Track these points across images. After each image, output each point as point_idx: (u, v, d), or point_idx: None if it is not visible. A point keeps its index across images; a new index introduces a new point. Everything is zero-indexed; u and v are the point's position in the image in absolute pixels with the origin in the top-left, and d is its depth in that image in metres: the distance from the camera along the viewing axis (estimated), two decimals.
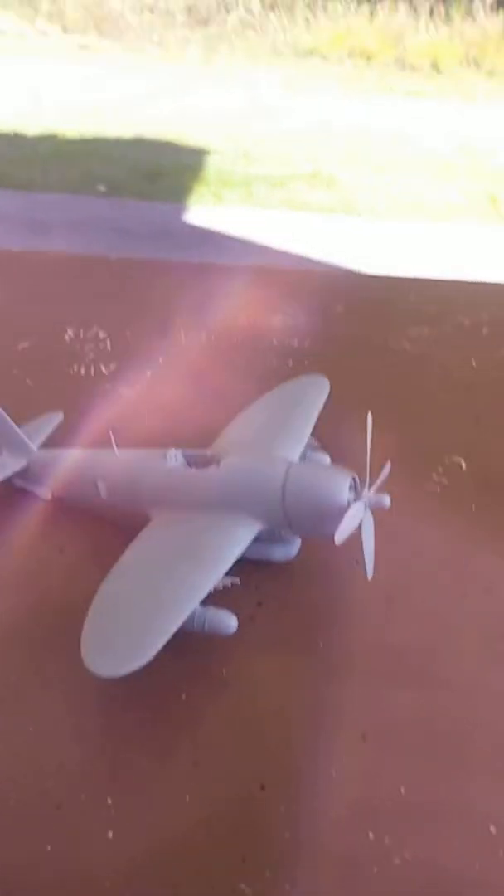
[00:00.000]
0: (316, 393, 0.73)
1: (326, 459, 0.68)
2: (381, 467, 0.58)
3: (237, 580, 0.58)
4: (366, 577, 0.58)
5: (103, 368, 0.87)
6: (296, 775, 0.51)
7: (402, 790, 0.50)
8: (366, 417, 0.57)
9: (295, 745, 0.52)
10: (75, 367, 0.88)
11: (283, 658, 0.58)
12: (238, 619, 0.56)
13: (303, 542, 0.64)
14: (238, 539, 0.59)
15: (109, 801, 0.49)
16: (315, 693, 0.56)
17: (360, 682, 0.57)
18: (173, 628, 0.52)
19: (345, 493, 0.58)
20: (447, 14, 7.11)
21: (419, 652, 0.59)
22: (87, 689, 0.55)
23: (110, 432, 0.66)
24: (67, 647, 0.54)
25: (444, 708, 0.55)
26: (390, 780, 0.51)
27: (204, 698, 0.55)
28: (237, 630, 0.56)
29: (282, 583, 0.63)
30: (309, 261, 3.66)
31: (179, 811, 0.49)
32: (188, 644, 0.55)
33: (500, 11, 6.95)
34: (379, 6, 7.25)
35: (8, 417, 0.69)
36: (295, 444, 0.67)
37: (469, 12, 7.13)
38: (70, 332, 0.93)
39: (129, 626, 0.53)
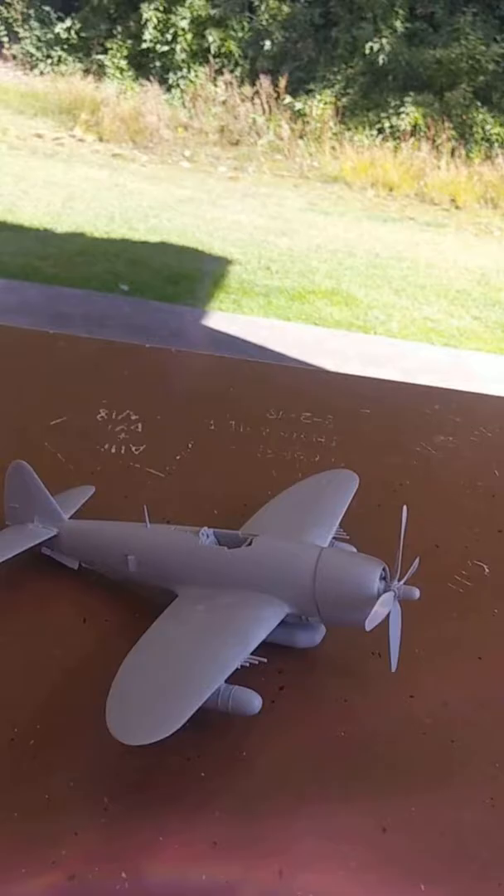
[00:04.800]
0: (345, 486, 0.74)
1: (353, 550, 0.69)
2: (411, 562, 0.59)
3: (264, 660, 0.57)
4: (389, 669, 0.58)
5: (133, 449, 0.89)
6: (315, 861, 0.50)
7: (422, 887, 0.49)
8: (397, 513, 0.58)
9: (312, 834, 0.52)
10: (106, 446, 0.89)
11: (302, 743, 0.57)
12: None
13: (327, 631, 0.64)
14: (265, 619, 0.59)
15: (123, 875, 0.48)
16: (334, 784, 0.55)
17: (380, 774, 0.56)
18: (200, 700, 0.52)
19: (376, 582, 0.58)
20: (468, 156, 7.42)
21: (439, 743, 0.58)
22: (107, 760, 0.54)
23: (144, 507, 0.67)
24: (90, 715, 0.55)
25: (462, 800, 0.54)
26: (409, 874, 0.50)
27: (223, 776, 0.54)
28: (259, 712, 0.56)
29: (305, 669, 0.63)
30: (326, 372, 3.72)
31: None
32: (209, 720, 0.55)
33: None
34: (403, 143, 7.57)
35: (43, 485, 0.70)
36: (324, 532, 0.68)
37: (489, 156, 7.44)
38: (103, 412, 0.94)
39: (156, 697, 0.53)
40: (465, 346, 4.47)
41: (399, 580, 0.59)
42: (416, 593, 0.60)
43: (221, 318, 4.35)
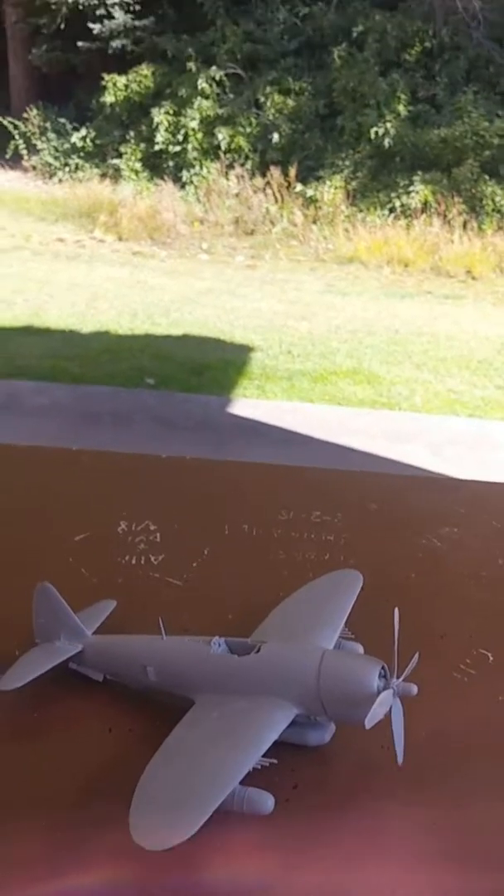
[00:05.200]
0: (350, 586, 0.79)
1: (359, 649, 0.73)
2: (410, 657, 0.63)
3: (275, 761, 0.62)
4: (396, 762, 0.61)
5: (153, 559, 0.94)
6: None
7: None
8: (403, 608, 0.63)
9: None
10: (127, 558, 0.95)
11: (316, 838, 0.61)
12: (275, 800, 0.60)
13: (337, 728, 0.68)
14: (275, 722, 0.63)
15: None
16: (348, 874, 0.59)
17: (395, 867, 0.59)
18: (215, 805, 0.56)
19: (374, 681, 0.63)
20: (480, 228, 7.57)
21: (450, 833, 0.62)
22: (131, 865, 0.58)
23: (160, 619, 0.72)
24: (114, 821, 0.59)
25: (481, 886, 0.58)
26: None
27: (239, 872, 0.58)
28: (273, 811, 0.60)
29: (316, 766, 0.67)
30: (350, 451, 3.78)
31: None
32: (225, 820, 0.59)
33: None
34: (414, 220, 7.75)
35: (66, 604, 0.76)
36: (330, 633, 0.72)
37: (501, 227, 7.58)
38: (123, 524, 1.00)
39: (174, 802, 0.57)
40: (490, 416, 4.51)
41: (398, 677, 0.63)
42: (415, 690, 0.64)
43: (246, 404, 4.44)
